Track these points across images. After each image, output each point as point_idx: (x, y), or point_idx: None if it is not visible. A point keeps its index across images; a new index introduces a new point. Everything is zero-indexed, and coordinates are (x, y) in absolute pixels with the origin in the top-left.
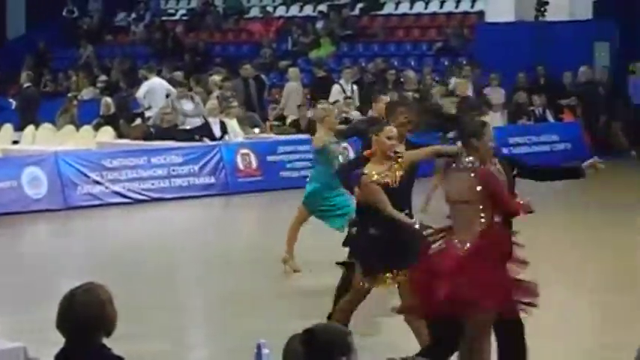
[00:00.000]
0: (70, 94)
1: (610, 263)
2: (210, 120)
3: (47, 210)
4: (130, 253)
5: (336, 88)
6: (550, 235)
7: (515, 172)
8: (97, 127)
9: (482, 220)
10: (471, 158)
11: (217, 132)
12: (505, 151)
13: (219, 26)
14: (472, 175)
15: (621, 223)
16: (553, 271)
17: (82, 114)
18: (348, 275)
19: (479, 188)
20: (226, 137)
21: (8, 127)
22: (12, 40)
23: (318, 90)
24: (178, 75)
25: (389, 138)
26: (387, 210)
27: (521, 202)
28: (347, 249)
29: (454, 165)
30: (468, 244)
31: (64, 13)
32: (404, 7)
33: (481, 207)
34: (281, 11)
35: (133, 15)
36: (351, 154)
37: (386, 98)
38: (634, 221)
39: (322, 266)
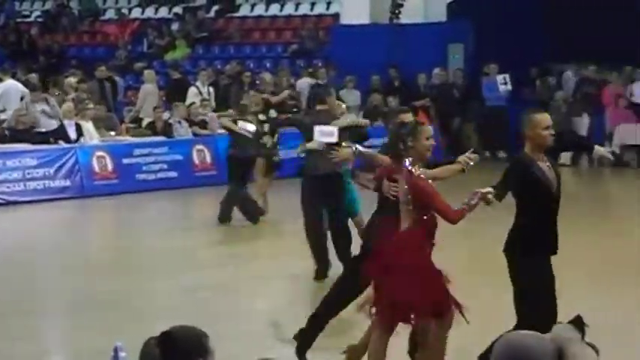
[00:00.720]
0: None
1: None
2: (66, 122)
3: None
4: None
5: (192, 90)
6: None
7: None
8: None
9: (408, 223)
10: (409, 160)
11: (73, 134)
12: None
13: (75, 28)
14: (404, 179)
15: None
16: None
17: None
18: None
19: (408, 194)
20: (82, 140)
21: None
22: None
23: (174, 92)
24: (33, 77)
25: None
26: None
27: (465, 205)
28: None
29: (401, 167)
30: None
31: None
32: (259, 10)
33: (410, 209)
34: (136, 13)
35: None
36: None
37: (333, 98)
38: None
39: (181, 267)
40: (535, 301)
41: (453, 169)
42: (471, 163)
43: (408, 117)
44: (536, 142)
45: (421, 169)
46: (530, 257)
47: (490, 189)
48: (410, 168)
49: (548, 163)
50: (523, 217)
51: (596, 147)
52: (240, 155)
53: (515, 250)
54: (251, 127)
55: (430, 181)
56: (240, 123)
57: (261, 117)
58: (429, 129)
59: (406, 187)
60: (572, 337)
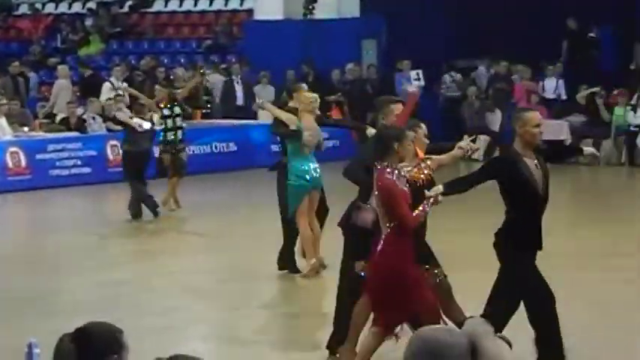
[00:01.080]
0: None
1: None
2: None
3: None
4: None
5: (106, 85)
6: None
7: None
8: None
9: (388, 226)
10: (385, 163)
11: None
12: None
13: None
14: (375, 181)
15: None
16: None
17: None
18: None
19: (378, 196)
20: None
21: None
22: None
23: (88, 87)
24: None
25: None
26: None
27: (419, 212)
28: None
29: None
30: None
31: None
32: (173, 5)
33: (385, 213)
34: (50, 8)
35: None
36: None
37: (305, 86)
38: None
39: (94, 263)
40: (532, 292)
41: (453, 156)
42: (471, 151)
43: (399, 108)
44: (526, 139)
45: (430, 157)
46: (520, 252)
47: (439, 187)
48: (385, 168)
49: (536, 162)
50: (511, 213)
51: (585, 148)
52: (135, 150)
53: (505, 245)
54: (146, 125)
55: (432, 168)
56: (136, 119)
57: (166, 112)
58: (412, 135)
59: (376, 190)
60: (484, 330)
